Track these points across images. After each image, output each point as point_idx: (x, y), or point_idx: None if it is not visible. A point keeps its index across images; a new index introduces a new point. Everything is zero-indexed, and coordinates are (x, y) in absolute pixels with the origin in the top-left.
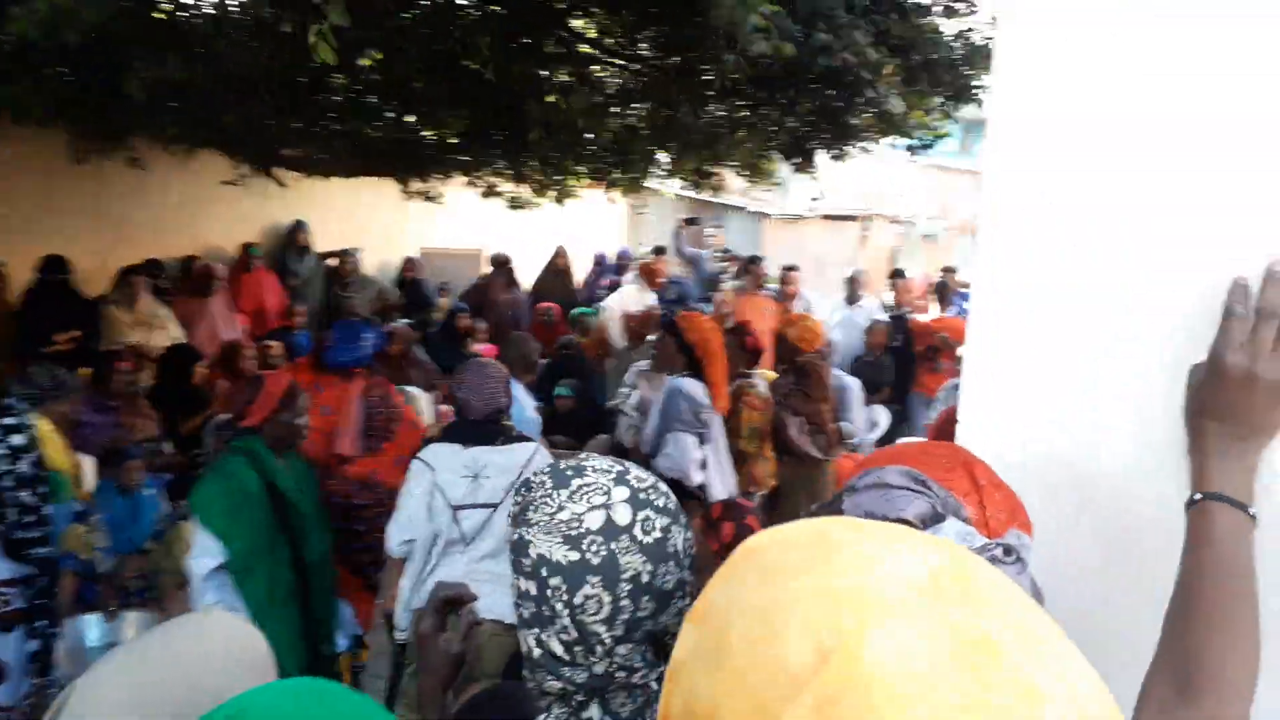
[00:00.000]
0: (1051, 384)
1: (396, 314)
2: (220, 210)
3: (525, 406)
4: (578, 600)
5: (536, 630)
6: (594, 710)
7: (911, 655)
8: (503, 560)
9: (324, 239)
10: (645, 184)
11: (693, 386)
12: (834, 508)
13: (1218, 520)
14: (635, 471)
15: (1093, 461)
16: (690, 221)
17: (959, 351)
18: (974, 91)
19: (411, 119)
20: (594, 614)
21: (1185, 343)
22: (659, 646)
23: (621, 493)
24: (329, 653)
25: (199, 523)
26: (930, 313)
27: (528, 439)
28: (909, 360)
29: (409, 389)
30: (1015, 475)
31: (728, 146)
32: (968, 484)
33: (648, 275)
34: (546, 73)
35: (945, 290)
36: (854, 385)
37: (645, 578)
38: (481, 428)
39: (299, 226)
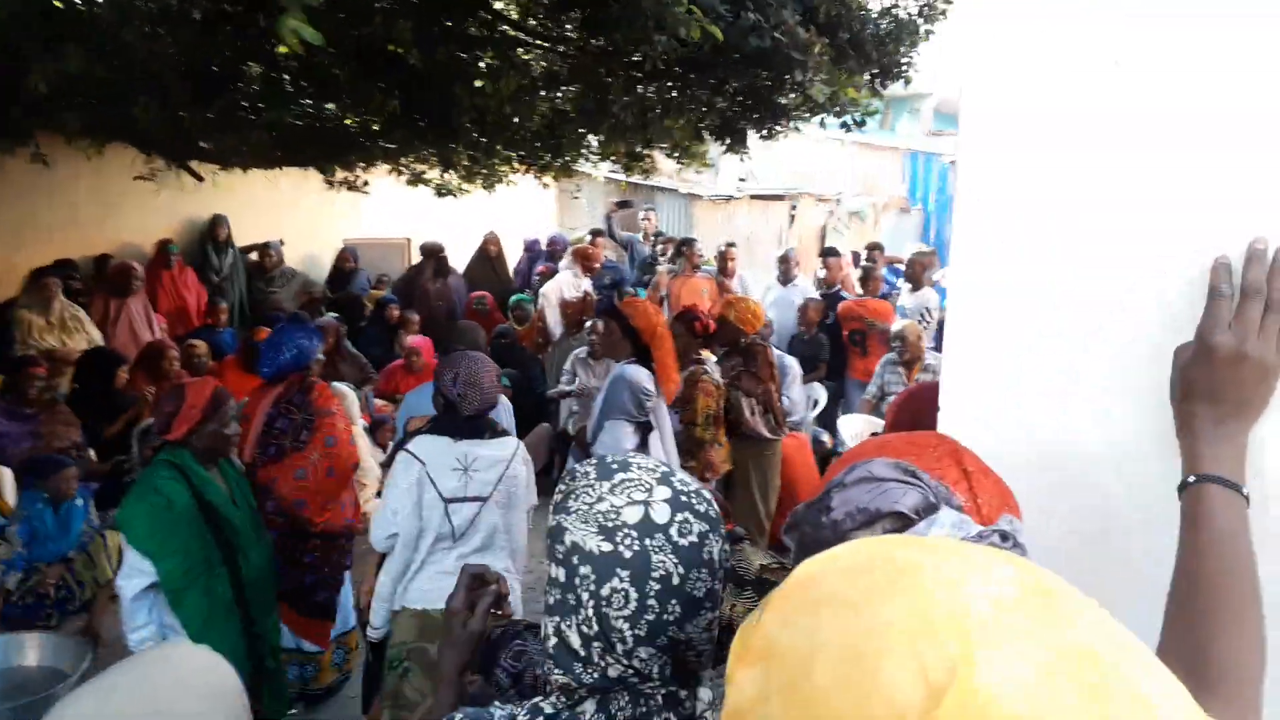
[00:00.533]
0: (1032, 371)
1: (322, 307)
2: (133, 206)
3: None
4: (604, 592)
5: (558, 619)
6: (589, 705)
7: (1025, 677)
8: (490, 554)
9: (244, 233)
10: (576, 168)
11: (638, 373)
12: (823, 505)
13: (1214, 502)
14: (680, 475)
15: (1074, 447)
16: (622, 205)
17: (893, 330)
18: (902, 68)
19: (331, 106)
20: (619, 609)
21: (1166, 326)
22: (678, 661)
23: (663, 492)
24: (274, 667)
25: (126, 542)
26: (856, 292)
27: (509, 433)
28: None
29: (336, 385)
30: (999, 463)
31: (658, 129)
32: (956, 472)
33: (583, 260)
34: (471, 56)
35: (871, 272)
36: (793, 364)
37: (676, 580)
38: (473, 422)
39: (218, 221)
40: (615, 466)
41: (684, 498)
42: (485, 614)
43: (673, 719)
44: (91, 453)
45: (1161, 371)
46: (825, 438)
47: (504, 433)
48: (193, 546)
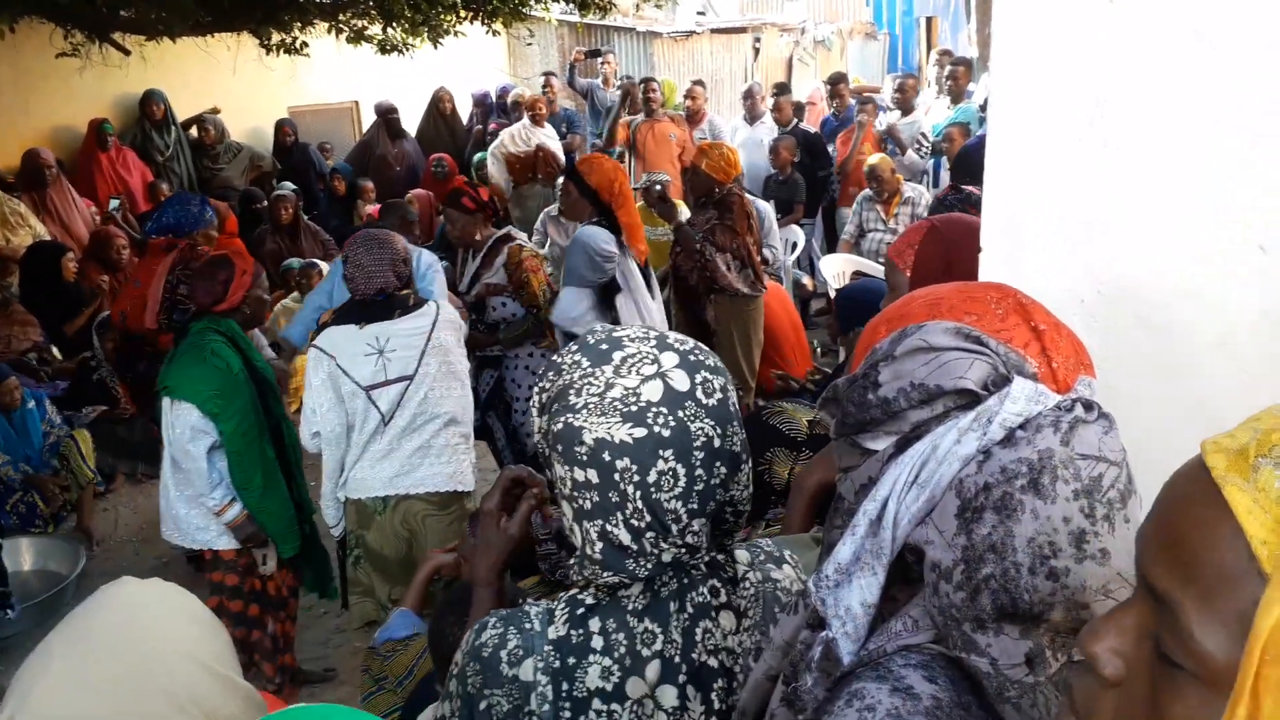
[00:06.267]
0: (1095, 198)
1: (273, 180)
2: (57, 87)
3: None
4: (651, 478)
5: (600, 521)
6: (634, 588)
7: None
8: (421, 432)
9: (181, 108)
10: (526, 11)
11: (594, 234)
12: (869, 379)
13: None
14: (671, 334)
15: (1148, 283)
16: (591, 54)
17: (865, 166)
18: None
19: None
20: (669, 490)
21: (1260, 136)
22: (718, 523)
23: (670, 358)
24: (309, 533)
25: (186, 403)
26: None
27: (424, 300)
28: (813, 174)
29: (314, 260)
30: (1061, 307)
31: None
32: (1026, 332)
33: (530, 110)
34: None
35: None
36: (768, 210)
37: (716, 442)
38: (376, 305)
39: (150, 97)
40: (606, 346)
41: (692, 357)
42: (524, 519)
43: (717, 584)
44: (55, 350)
45: (1249, 189)
46: (805, 280)
47: (420, 304)
48: (247, 412)
